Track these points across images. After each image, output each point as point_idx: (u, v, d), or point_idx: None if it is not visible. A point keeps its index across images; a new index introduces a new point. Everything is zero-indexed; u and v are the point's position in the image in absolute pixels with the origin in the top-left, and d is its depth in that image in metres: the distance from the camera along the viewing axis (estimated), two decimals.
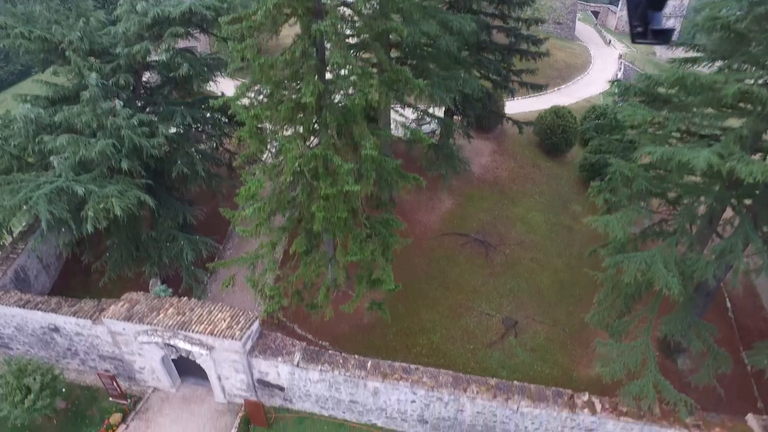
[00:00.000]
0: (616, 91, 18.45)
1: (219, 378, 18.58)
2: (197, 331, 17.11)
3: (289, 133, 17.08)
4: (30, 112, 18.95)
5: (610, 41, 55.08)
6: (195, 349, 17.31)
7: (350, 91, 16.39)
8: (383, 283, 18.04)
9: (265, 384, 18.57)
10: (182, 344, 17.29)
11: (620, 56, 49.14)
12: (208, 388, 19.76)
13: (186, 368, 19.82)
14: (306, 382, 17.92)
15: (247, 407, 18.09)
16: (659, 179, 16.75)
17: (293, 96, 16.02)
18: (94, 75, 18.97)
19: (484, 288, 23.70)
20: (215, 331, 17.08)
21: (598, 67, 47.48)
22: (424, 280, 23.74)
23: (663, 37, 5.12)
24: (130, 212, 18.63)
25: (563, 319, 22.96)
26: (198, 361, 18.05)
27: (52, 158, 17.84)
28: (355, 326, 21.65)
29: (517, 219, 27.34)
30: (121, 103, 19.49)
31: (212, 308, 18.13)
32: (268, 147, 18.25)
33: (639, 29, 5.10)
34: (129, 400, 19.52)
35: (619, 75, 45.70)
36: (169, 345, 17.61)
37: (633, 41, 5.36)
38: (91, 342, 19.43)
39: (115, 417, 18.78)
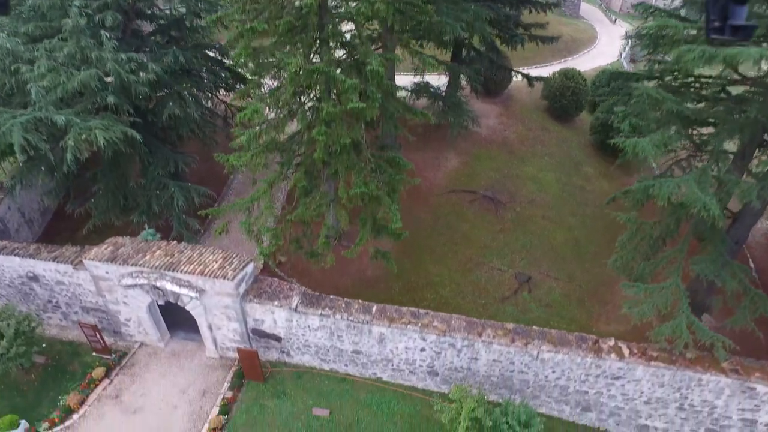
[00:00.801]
0: (641, 13, 17.05)
1: (210, 328, 17.11)
2: (186, 272, 15.65)
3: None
4: (6, 42, 17.51)
5: (615, 20, 53.90)
6: (183, 292, 15.84)
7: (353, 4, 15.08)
8: (389, 222, 16.65)
9: (260, 334, 17.11)
10: (169, 286, 15.82)
11: (627, 32, 47.97)
12: (200, 343, 18.29)
13: (175, 321, 18.36)
14: (305, 330, 16.46)
15: (241, 357, 16.61)
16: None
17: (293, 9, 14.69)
18: (77, 3, 17.58)
19: (495, 244, 22.29)
20: (206, 272, 15.62)
21: (605, 41, 46.29)
22: (431, 236, 22.33)
23: (743, 33, 4.25)
24: (116, 149, 17.27)
25: (579, 275, 21.57)
26: (187, 308, 16.58)
27: (29, 86, 16.38)
28: (358, 280, 20.22)
29: (527, 178, 25.96)
30: (108, 35, 18.07)
31: (203, 250, 16.68)
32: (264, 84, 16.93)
33: (716, 24, 4.20)
34: (114, 355, 18.03)
35: (627, 49, 44.47)
36: (155, 288, 16.14)
37: (707, 36, 4.46)
38: (73, 291, 17.94)
39: (98, 371, 17.27)
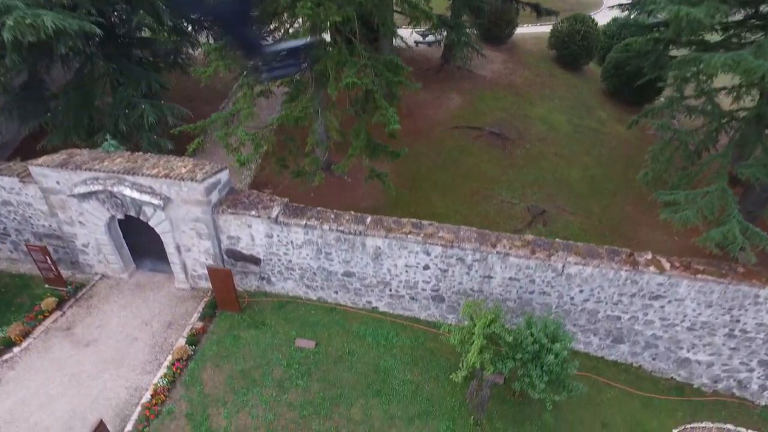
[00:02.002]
0: None
1: (178, 249, 14.73)
2: (148, 175, 13.29)
3: None
4: None
5: None
6: (145, 199, 13.45)
7: None
8: (386, 126, 14.38)
9: (236, 256, 14.73)
10: (129, 192, 13.44)
11: None
12: (168, 275, 15.91)
13: (142, 252, 16.02)
14: (288, 247, 14.09)
15: (213, 279, 14.16)
16: None
17: None
18: None
19: (504, 178, 20.02)
20: (171, 175, 13.27)
21: (613, 2, 44.32)
22: (433, 170, 20.04)
23: None
24: (72, 47, 15.02)
25: (598, 211, 19.30)
26: (151, 224, 14.20)
27: None
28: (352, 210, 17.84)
29: (536, 118, 23.74)
30: None
31: (171, 158, 14.34)
32: None
33: None
34: (69, 287, 15.59)
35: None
36: (112, 196, 13.75)
37: None
38: (23, 213, 15.53)
39: (48, 302, 14.82)
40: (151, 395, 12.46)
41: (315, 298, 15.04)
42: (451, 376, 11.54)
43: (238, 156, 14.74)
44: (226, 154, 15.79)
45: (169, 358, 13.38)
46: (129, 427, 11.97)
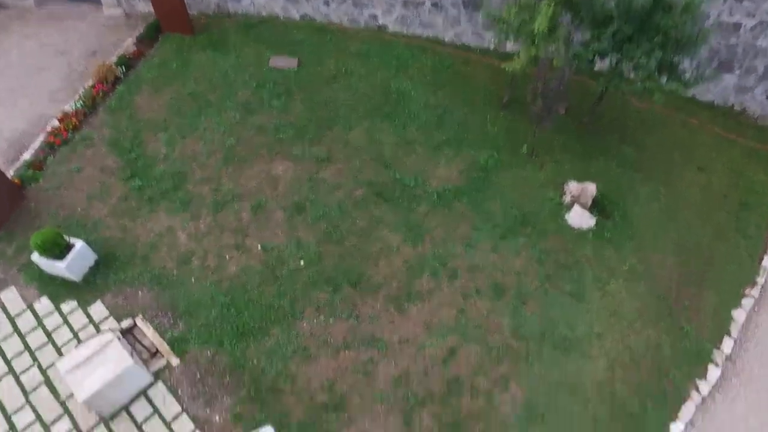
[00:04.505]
0: None
1: None
2: None
3: None
4: None
5: None
6: None
7: None
8: None
9: None
10: None
11: None
12: (96, 5, 11.46)
13: None
14: None
15: None
16: None
17: None
18: None
19: None
20: None
21: None
22: None
23: None
24: None
25: None
26: None
27: None
28: None
29: None
30: None
31: None
32: None
33: None
34: None
35: None
36: None
37: None
38: None
39: None
40: (59, 120, 8.60)
41: (298, 17, 10.72)
42: (503, 66, 7.56)
43: None
44: None
45: (90, 82, 9.36)
46: (27, 156, 8.23)
